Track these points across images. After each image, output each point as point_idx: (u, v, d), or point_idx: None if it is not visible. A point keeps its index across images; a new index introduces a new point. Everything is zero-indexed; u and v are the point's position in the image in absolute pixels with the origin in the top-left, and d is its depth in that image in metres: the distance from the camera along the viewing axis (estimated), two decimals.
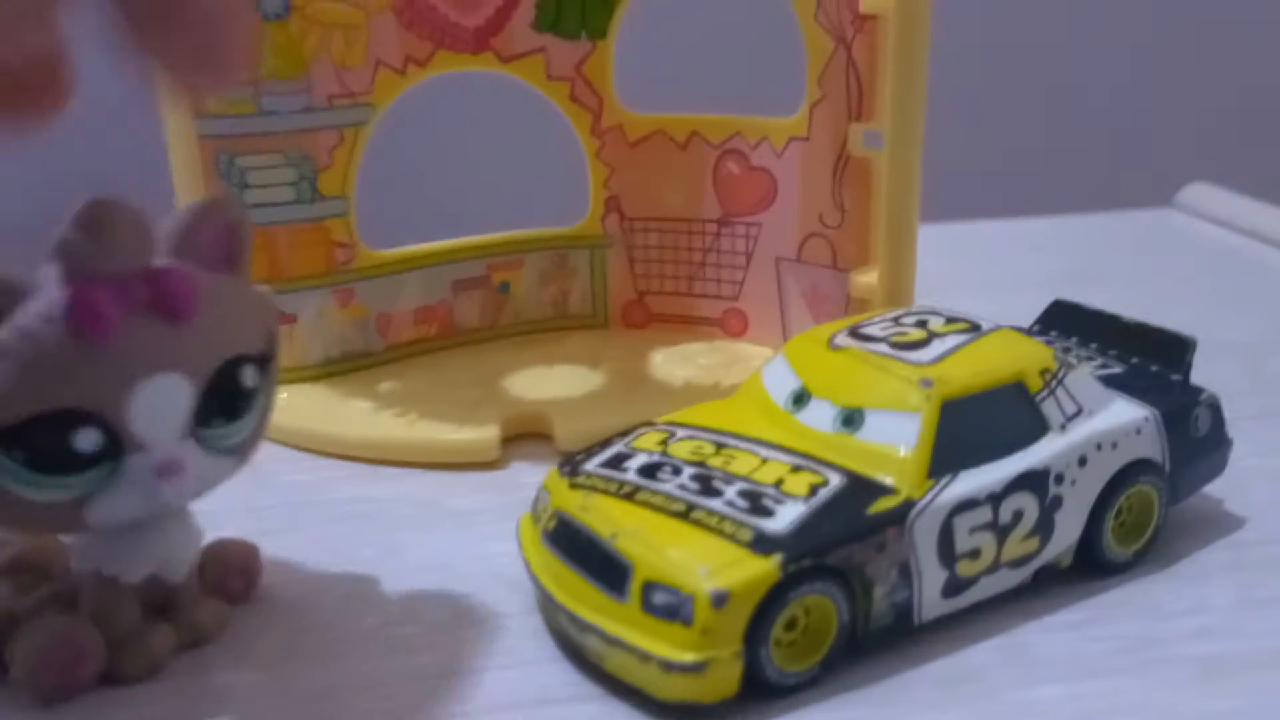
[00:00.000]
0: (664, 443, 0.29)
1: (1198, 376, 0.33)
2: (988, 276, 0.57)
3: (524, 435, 0.38)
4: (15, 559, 0.28)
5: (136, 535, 0.26)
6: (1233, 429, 0.33)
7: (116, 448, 0.23)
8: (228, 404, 0.25)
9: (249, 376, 0.25)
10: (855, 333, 0.31)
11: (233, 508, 0.34)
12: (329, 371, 0.42)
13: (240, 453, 0.26)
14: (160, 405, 0.24)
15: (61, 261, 0.23)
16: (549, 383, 0.42)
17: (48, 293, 0.23)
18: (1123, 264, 0.59)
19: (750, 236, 0.44)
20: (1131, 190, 0.71)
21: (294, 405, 0.40)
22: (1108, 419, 0.29)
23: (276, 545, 0.32)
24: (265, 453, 0.38)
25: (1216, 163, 0.76)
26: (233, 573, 0.29)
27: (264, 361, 0.26)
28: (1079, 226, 0.67)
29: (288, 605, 0.29)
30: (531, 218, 0.47)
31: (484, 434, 0.37)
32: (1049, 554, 0.29)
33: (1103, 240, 0.64)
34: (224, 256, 0.26)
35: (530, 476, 0.36)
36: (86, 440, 0.23)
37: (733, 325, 0.46)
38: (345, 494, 0.35)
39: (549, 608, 0.27)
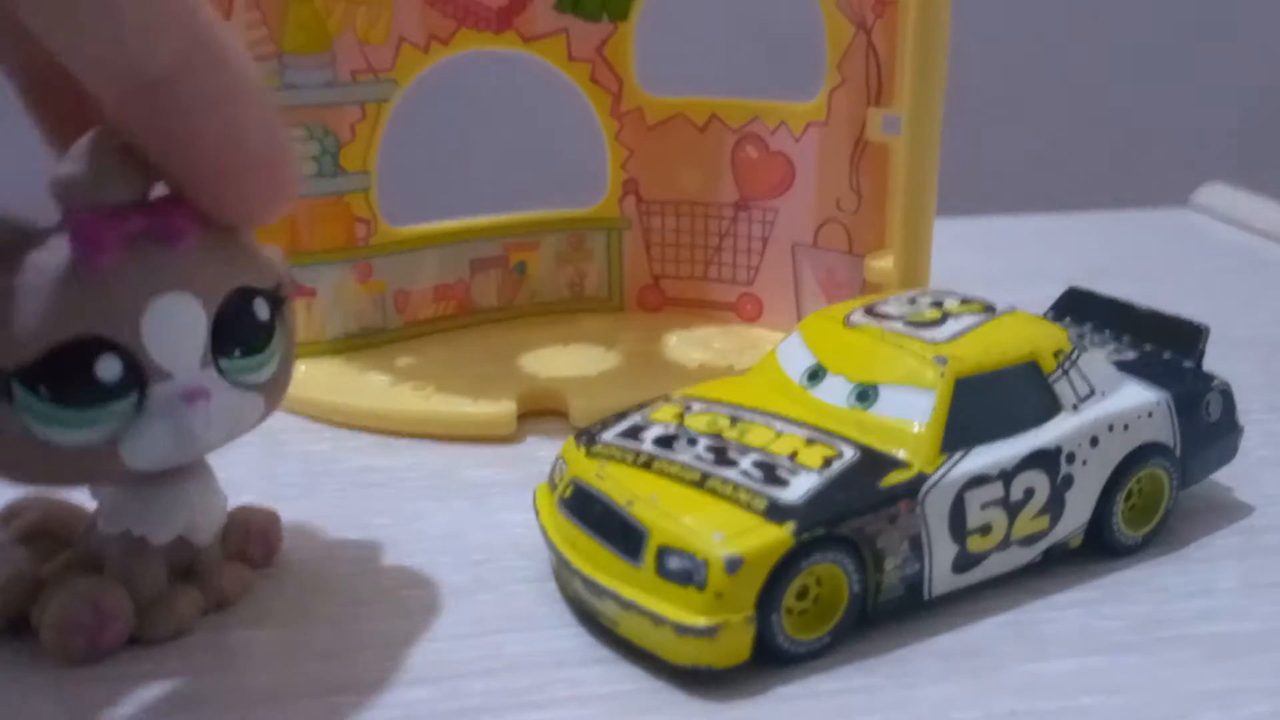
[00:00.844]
0: (680, 415, 0.29)
1: (1212, 370, 0.33)
2: (1003, 271, 0.57)
3: (538, 412, 0.39)
4: (35, 525, 0.28)
5: (166, 496, 0.26)
6: (1246, 421, 0.33)
7: (139, 377, 0.23)
8: (244, 334, 0.25)
9: (261, 309, 0.25)
10: (871, 311, 0.31)
11: (251, 475, 0.34)
12: (347, 346, 0.43)
13: (265, 393, 0.26)
14: (175, 327, 0.24)
15: (59, 197, 0.24)
16: (564, 361, 0.42)
17: (50, 228, 0.23)
18: (1138, 262, 0.60)
19: (767, 221, 0.44)
20: (1148, 189, 0.71)
21: (311, 377, 0.40)
22: (1120, 401, 0.30)
23: (293, 511, 0.33)
24: (283, 422, 0.39)
25: (1233, 163, 0.76)
26: (254, 539, 0.29)
27: (276, 301, 0.26)
28: (1095, 224, 0.67)
29: (304, 569, 0.30)
30: (549, 199, 0.47)
31: (500, 408, 0.37)
32: (1059, 533, 0.29)
33: (1119, 238, 0.64)
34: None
35: (544, 451, 0.36)
36: (108, 369, 0.23)
37: (747, 310, 0.46)
38: (361, 463, 0.36)
39: (564, 573, 0.28)
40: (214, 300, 0.24)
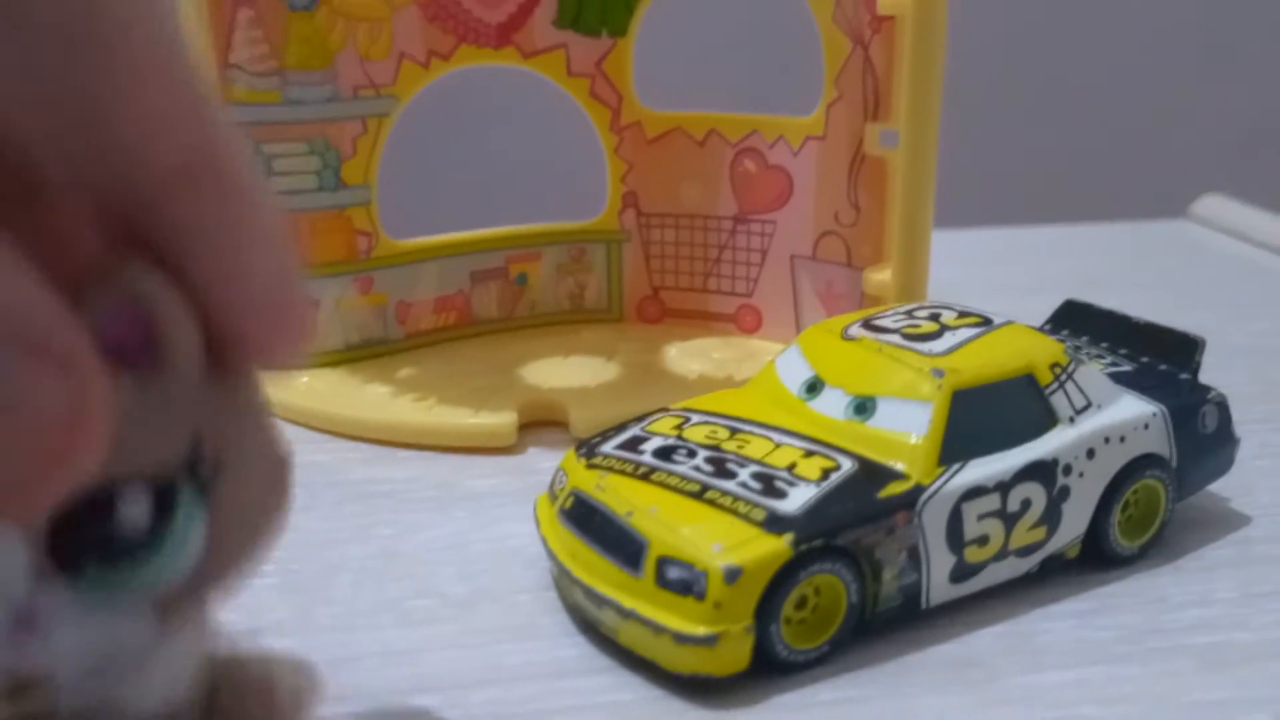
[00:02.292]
0: (679, 427, 0.30)
1: (1209, 380, 0.33)
2: (1001, 283, 0.57)
3: (539, 423, 0.39)
4: None
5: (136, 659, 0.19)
6: (1242, 432, 0.33)
7: None
8: (101, 539, 0.17)
9: (134, 507, 0.17)
10: (868, 324, 0.31)
11: None
12: (349, 357, 0.43)
13: (165, 608, 0.18)
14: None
15: None
16: (564, 373, 0.42)
17: None
18: (1136, 273, 0.60)
19: (765, 234, 0.45)
20: (1146, 201, 0.71)
21: (313, 389, 0.40)
22: (1116, 413, 0.30)
23: (294, 522, 0.33)
24: (283, 434, 0.39)
25: (1231, 175, 0.77)
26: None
27: (178, 483, 0.18)
28: (1093, 236, 0.67)
29: (306, 578, 0.30)
30: (549, 211, 0.48)
31: (502, 419, 0.38)
32: (1056, 544, 0.29)
33: (1117, 250, 0.65)
34: (136, 348, 0.17)
35: (545, 462, 0.37)
36: None
37: (747, 321, 0.46)
38: (363, 475, 0.36)
39: (565, 583, 0.28)
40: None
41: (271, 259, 0.18)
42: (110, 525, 0.17)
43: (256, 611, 0.28)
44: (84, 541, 0.17)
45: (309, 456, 0.37)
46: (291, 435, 0.38)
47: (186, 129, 0.17)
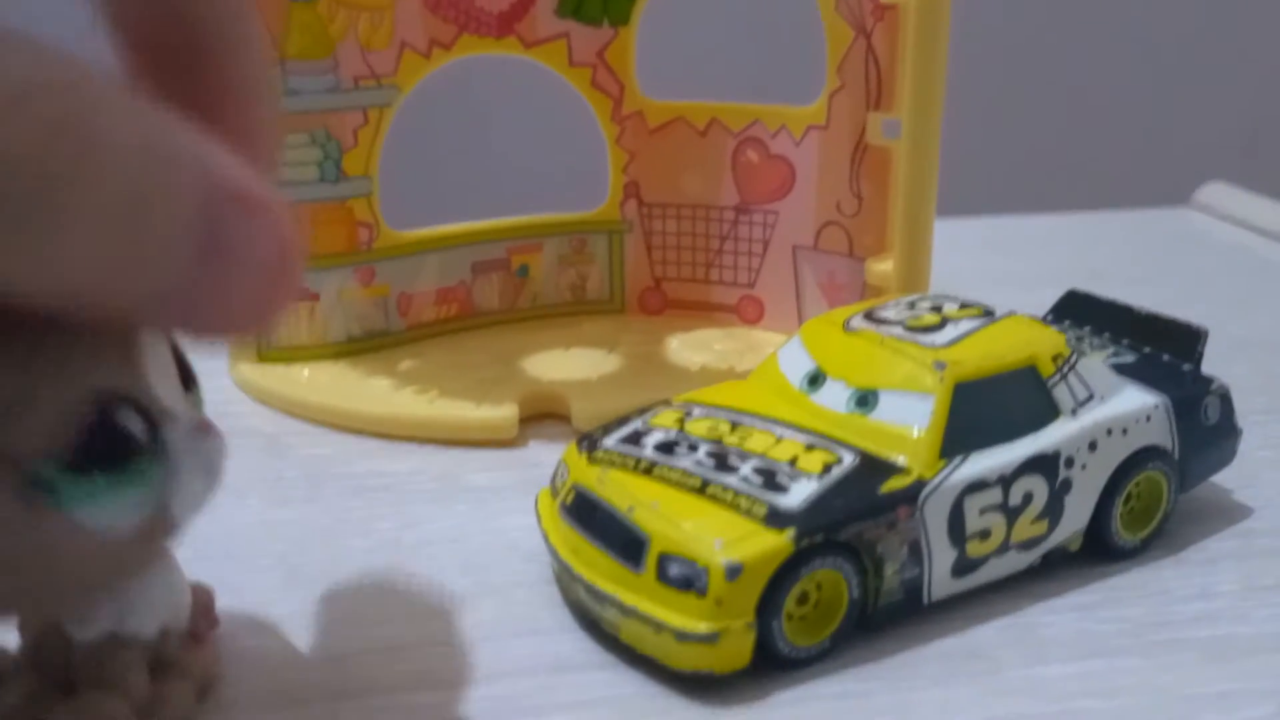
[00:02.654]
0: (681, 420, 0.30)
1: (1211, 371, 0.33)
2: (1004, 272, 0.57)
3: (540, 415, 0.39)
4: None
5: (146, 582, 0.23)
6: (1245, 423, 0.33)
7: (152, 425, 0.20)
8: (188, 367, 0.22)
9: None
10: (870, 316, 0.31)
11: (254, 480, 0.35)
12: (350, 349, 0.43)
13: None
14: (162, 364, 0.21)
15: None
16: (566, 365, 0.42)
17: None
18: (1139, 262, 0.60)
19: (767, 224, 0.44)
20: (1149, 189, 0.71)
21: (315, 381, 0.40)
22: (1118, 405, 0.30)
23: (295, 515, 0.33)
24: (286, 426, 0.39)
25: (1234, 162, 0.76)
26: (199, 615, 0.26)
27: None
28: (1096, 224, 0.67)
29: (308, 574, 0.30)
30: (551, 202, 0.47)
31: (503, 412, 0.37)
32: (1058, 537, 0.29)
33: (1119, 238, 0.64)
34: None
35: (546, 455, 0.37)
36: (133, 422, 0.20)
37: (749, 312, 0.46)
38: (364, 468, 0.36)
39: (566, 579, 0.28)
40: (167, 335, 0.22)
41: (264, 89, 0.20)
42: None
43: (259, 606, 0.28)
44: (185, 366, 0.22)
45: (311, 450, 0.37)
46: (293, 428, 0.39)
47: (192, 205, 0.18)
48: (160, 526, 0.21)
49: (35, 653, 0.23)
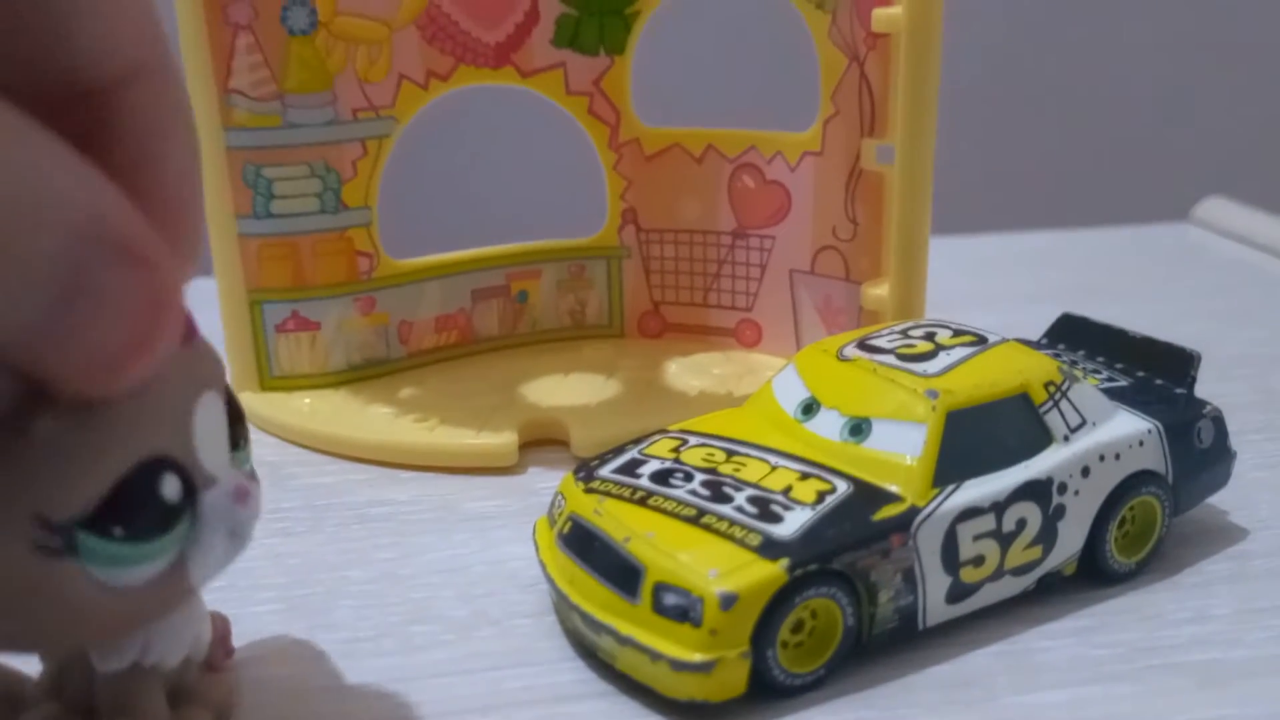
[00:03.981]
0: (676, 450, 0.30)
1: (1208, 390, 0.33)
2: (1002, 290, 0.57)
3: (540, 441, 0.39)
4: None
5: (168, 616, 0.23)
6: (1240, 442, 0.33)
7: (191, 488, 0.21)
8: (239, 424, 0.23)
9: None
10: (864, 344, 0.31)
11: None
12: (350, 377, 0.43)
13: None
14: (211, 429, 0.21)
15: None
16: (565, 390, 0.43)
17: None
18: (1138, 278, 0.60)
19: (764, 249, 0.45)
20: (1147, 204, 0.71)
21: (316, 410, 0.41)
22: (1111, 431, 0.30)
23: (298, 545, 0.33)
24: (287, 455, 0.39)
25: (1233, 177, 0.77)
26: (215, 645, 0.26)
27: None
28: (1094, 240, 0.67)
29: (309, 604, 0.30)
30: (549, 229, 0.48)
31: (502, 439, 0.38)
32: (1052, 562, 0.29)
33: (1118, 254, 0.65)
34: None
35: (546, 482, 0.37)
36: (170, 487, 0.20)
37: (746, 336, 0.46)
38: (365, 496, 0.36)
39: (563, 608, 0.28)
40: (223, 391, 0.22)
41: (186, 151, 0.20)
42: (237, 409, 0.22)
43: (259, 636, 0.29)
44: (234, 421, 0.22)
45: (312, 479, 0.38)
46: (294, 457, 0.39)
47: (141, 27, 0.19)
48: (176, 586, 0.21)
49: (57, 680, 0.24)
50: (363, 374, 0.43)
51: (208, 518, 0.21)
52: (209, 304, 0.41)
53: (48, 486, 0.19)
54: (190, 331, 0.21)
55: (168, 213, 0.19)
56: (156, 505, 0.20)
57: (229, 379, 0.41)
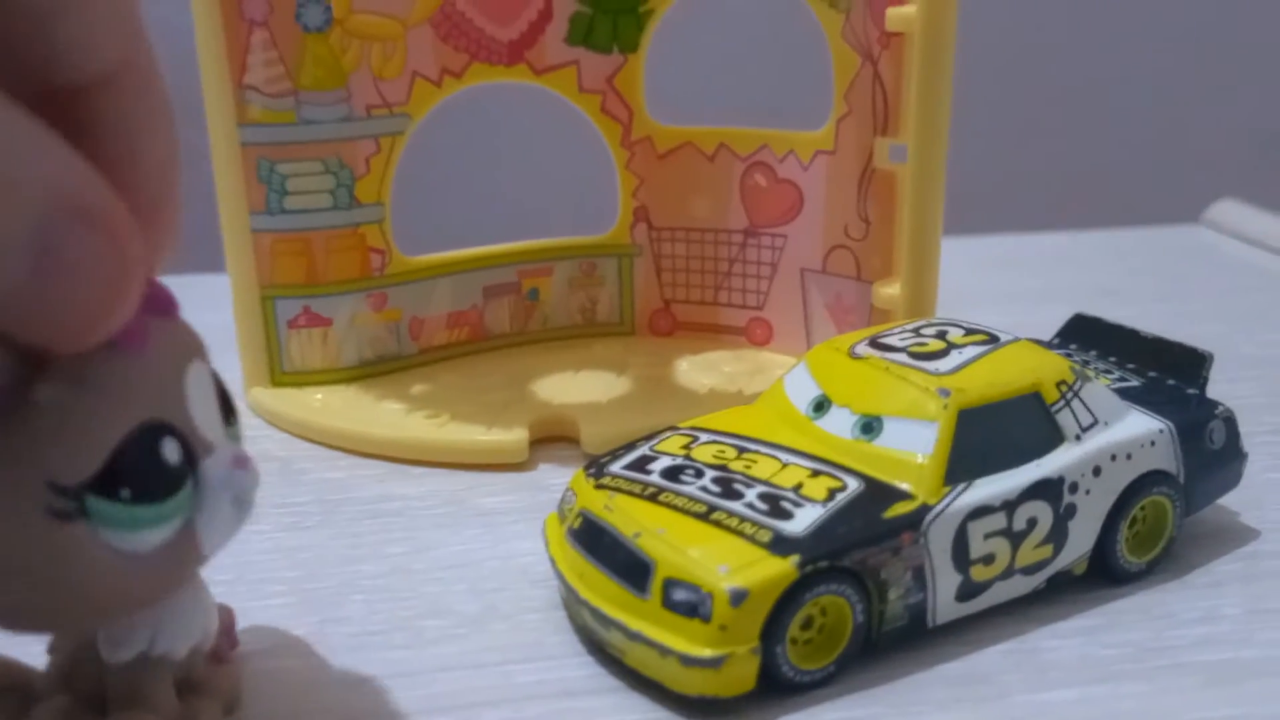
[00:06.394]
0: (687, 446, 0.30)
1: (1220, 391, 0.33)
2: (1014, 290, 0.57)
3: (550, 438, 0.39)
4: None
5: (179, 603, 0.23)
6: (1252, 443, 0.33)
7: (190, 453, 0.21)
8: (227, 400, 0.23)
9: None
10: (875, 342, 0.31)
11: (265, 504, 0.35)
12: (362, 373, 0.43)
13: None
14: (203, 398, 0.22)
15: None
16: (576, 387, 0.43)
17: None
18: (1149, 279, 0.60)
19: (776, 247, 0.45)
20: (1159, 206, 0.71)
21: (328, 405, 0.41)
22: (1123, 430, 0.30)
23: (308, 540, 0.33)
24: (299, 450, 0.39)
25: (1246, 180, 0.76)
26: (220, 636, 0.26)
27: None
28: (1106, 241, 0.67)
29: (320, 597, 0.30)
30: (561, 226, 0.48)
31: (513, 436, 0.38)
32: (1062, 561, 0.29)
33: (1130, 256, 0.65)
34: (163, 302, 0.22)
35: (556, 478, 0.37)
36: (171, 450, 0.21)
37: (757, 334, 0.46)
38: (376, 492, 0.36)
39: (573, 604, 0.28)
40: (208, 364, 0.23)
41: (167, 148, 0.21)
42: (157, 466, 0.21)
43: (271, 631, 0.29)
44: (225, 396, 0.23)
45: (323, 474, 0.38)
46: (306, 452, 0.39)
47: (124, 27, 0.19)
48: (188, 553, 0.21)
49: (67, 672, 0.24)
50: (374, 370, 0.44)
51: (211, 484, 0.21)
52: (222, 299, 0.42)
53: (56, 451, 0.19)
54: (171, 304, 0.22)
55: (145, 208, 0.20)
56: (160, 467, 0.20)
57: (240, 374, 0.42)
